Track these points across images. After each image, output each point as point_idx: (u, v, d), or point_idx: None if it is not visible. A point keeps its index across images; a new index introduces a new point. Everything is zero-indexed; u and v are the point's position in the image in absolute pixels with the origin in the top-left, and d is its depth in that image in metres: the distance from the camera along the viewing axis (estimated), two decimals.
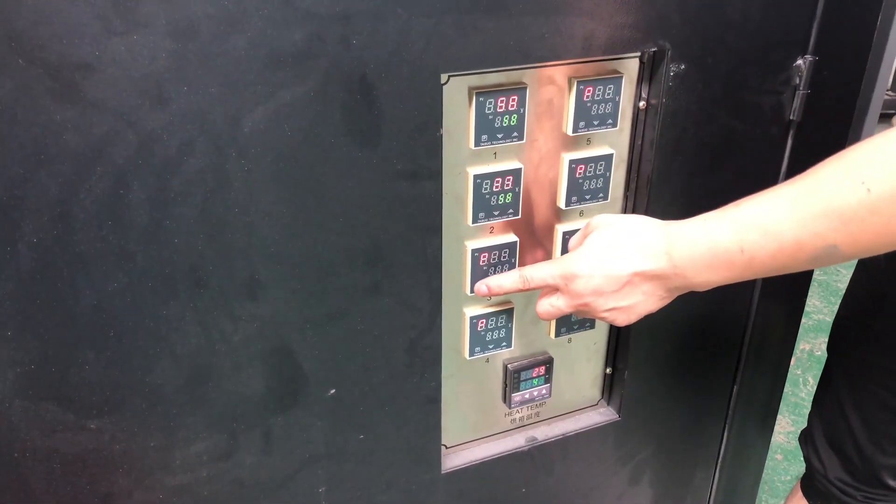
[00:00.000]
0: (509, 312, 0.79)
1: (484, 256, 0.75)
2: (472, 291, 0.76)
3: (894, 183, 0.53)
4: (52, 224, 0.56)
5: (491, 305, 0.79)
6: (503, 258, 0.76)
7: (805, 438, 1.08)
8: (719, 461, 1.03)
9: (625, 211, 0.81)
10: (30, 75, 0.52)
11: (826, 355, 1.01)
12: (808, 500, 1.06)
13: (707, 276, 0.63)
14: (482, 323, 0.78)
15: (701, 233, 0.62)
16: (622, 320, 0.68)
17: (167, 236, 0.60)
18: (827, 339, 1.00)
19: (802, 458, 1.04)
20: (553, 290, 0.70)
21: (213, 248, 0.62)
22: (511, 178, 0.72)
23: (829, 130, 0.83)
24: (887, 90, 3.03)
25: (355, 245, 0.67)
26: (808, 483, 1.09)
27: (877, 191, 0.54)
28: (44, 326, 0.59)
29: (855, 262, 0.88)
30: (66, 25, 0.52)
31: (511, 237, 0.76)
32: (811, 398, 1.02)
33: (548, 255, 0.80)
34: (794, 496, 1.12)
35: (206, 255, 0.62)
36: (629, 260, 0.65)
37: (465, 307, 0.78)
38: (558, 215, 0.78)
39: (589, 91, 0.72)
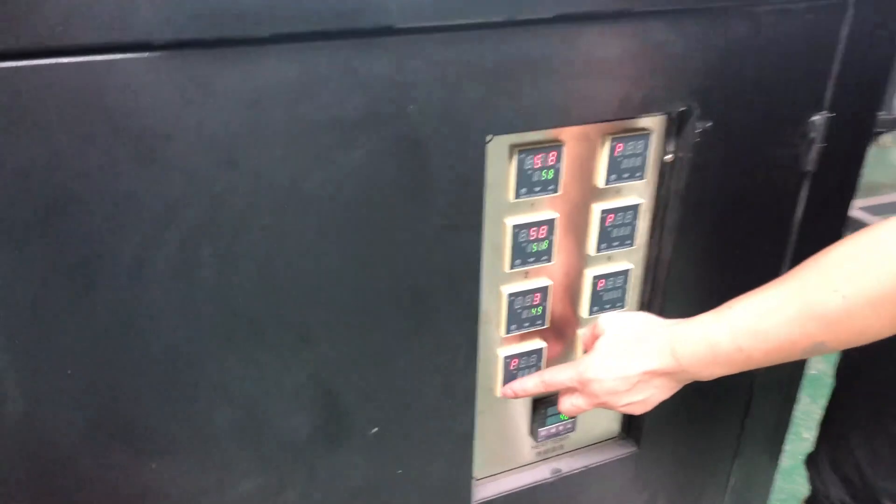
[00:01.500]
0: (539, 352, 0.83)
1: (519, 300, 0.79)
2: (501, 394, 0.83)
3: (863, 290, 0.59)
4: (127, 281, 0.60)
5: (523, 344, 0.83)
6: (536, 301, 0.80)
7: (810, 462, 1.13)
8: (728, 489, 1.07)
9: (650, 256, 0.85)
10: (114, 144, 0.55)
11: (825, 377, 1.06)
12: None
13: (711, 371, 0.70)
14: (515, 362, 0.82)
15: (702, 335, 0.69)
16: (639, 411, 0.75)
17: (231, 291, 0.63)
18: (822, 360, 1.05)
19: (795, 476, 1.09)
20: (572, 390, 0.77)
21: (271, 301, 0.65)
22: (546, 227, 0.76)
23: (840, 179, 0.88)
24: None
25: (401, 292, 0.71)
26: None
27: (850, 297, 0.60)
28: (115, 375, 0.62)
29: None
30: (149, 97, 0.55)
31: (545, 281, 0.80)
32: (804, 416, 1.07)
33: (576, 298, 0.84)
34: None
35: (264, 308, 0.65)
36: (639, 361, 0.72)
37: (498, 348, 0.82)
38: (588, 260, 0.83)
39: (620, 147, 0.76)
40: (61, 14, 0.51)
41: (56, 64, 0.52)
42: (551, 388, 0.79)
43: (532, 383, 0.80)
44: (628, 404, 0.75)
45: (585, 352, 0.81)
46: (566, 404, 0.78)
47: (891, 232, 0.59)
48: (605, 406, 0.76)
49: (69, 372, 0.61)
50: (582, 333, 0.84)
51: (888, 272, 0.57)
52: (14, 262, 0.56)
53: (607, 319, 0.77)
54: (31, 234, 0.56)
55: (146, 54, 0.54)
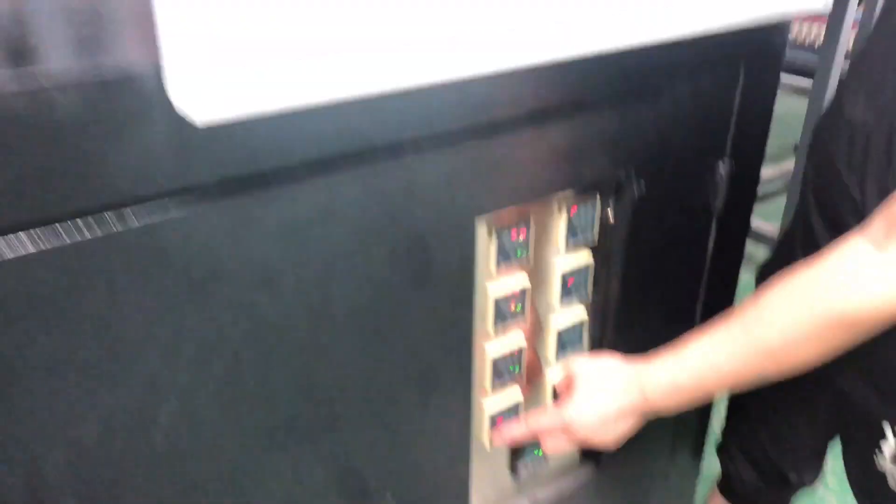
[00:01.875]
0: (518, 405, 0.92)
1: (501, 361, 0.87)
2: (494, 443, 0.91)
3: (798, 325, 0.72)
4: (179, 400, 0.62)
5: (503, 395, 0.92)
6: (514, 357, 0.89)
7: (722, 450, 1.29)
8: (667, 485, 1.22)
9: (597, 301, 0.97)
10: (171, 287, 0.58)
11: None
12: (726, 497, 1.28)
13: (674, 405, 0.82)
14: (500, 419, 0.91)
15: (665, 376, 0.81)
16: (612, 443, 0.87)
17: (270, 395, 0.67)
18: None
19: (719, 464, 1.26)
20: (555, 431, 0.87)
21: (305, 400, 0.70)
22: (521, 292, 0.85)
23: (739, 215, 1.04)
24: None
25: (410, 370, 0.77)
26: (726, 485, 1.31)
27: (787, 332, 0.72)
28: (163, 478, 0.64)
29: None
30: (201, 241, 0.58)
31: (520, 339, 0.89)
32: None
33: (542, 345, 0.94)
34: (713, 496, 1.34)
35: (299, 406, 0.70)
36: (614, 402, 0.83)
37: (483, 399, 0.90)
38: (552, 315, 0.92)
39: (574, 210, 0.86)
40: (124, 171, 0.53)
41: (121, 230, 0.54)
42: (537, 433, 0.88)
43: (520, 430, 0.88)
44: (604, 440, 0.86)
45: (557, 393, 0.91)
46: (550, 445, 0.87)
47: (821, 272, 0.72)
48: (584, 444, 0.86)
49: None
50: (552, 377, 0.94)
51: (818, 310, 0.71)
52: (72, 401, 0.57)
53: (579, 365, 0.87)
54: (96, 374, 0.57)
55: (200, 206, 0.57)
